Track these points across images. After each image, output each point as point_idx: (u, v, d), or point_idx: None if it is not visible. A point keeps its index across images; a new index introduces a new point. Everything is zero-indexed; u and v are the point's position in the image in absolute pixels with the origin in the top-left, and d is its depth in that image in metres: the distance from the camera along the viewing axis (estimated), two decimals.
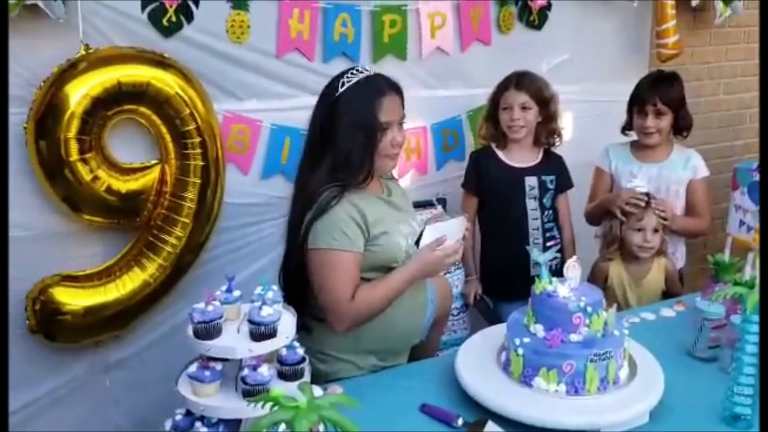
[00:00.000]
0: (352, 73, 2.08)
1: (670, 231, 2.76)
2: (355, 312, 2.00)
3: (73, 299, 2.46)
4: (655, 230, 2.67)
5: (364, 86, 2.06)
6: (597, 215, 2.88)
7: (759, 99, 3.82)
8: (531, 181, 2.80)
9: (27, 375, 2.51)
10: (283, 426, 1.26)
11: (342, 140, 2.01)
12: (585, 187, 3.01)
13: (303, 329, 2.02)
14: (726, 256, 2.27)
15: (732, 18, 3.59)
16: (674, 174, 2.85)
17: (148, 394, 2.66)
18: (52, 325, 2.45)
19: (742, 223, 3.25)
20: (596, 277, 2.77)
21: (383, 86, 2.09)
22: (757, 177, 3.19)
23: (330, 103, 2.05)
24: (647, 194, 2.69)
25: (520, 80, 2.77)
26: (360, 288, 2.00)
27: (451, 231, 2.10)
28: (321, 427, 1.30)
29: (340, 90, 2.04)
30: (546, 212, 2.83)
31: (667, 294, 2.71)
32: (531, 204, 2.80)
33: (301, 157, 2.18)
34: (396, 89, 2.12)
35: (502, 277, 2.81)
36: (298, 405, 1.27)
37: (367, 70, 2.12)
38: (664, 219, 2.66)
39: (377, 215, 2.06)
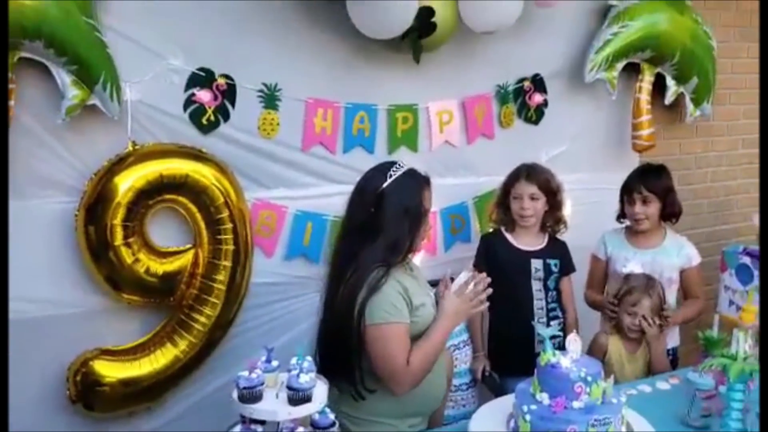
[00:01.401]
0: (396, 168, 2.35)
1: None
2: (412, 375, 2.21)
3: (111, 372, 2.66)
4: (646, 316, 2.80)
5: (410, 178, 2.35)
6: (595, 308, 3.12)
7: (759, 107, 4.04)
8: (536, 264, 3.01)
9: None
10: None
11: (391, 226, 2.27)
12: (582, 270, 3.22)
13: (353, 399, 2.23)
14: (714, 333, 2.46)
15: (700, 118, 3.90)
16: (667, 260, 3.06)
17: None
18: (91, 395, 2.64)
19: (731, 302, 3.46)
20: (595, 350, 2.90)
21: (424, 178, 2.39)
22: (743, 259, 3.41)
23: (377, 193, 2.29)
24: (648, 276, 2.87)
25: (530, 172, 3.02)
26: (411, 351, 2.22)
27: (468, 279, 2.34)
28: None
29: (388, 181, 2.30)
30: (550, 293, 3.03)
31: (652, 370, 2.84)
32: (536, 285, 3.01)
33: (342, 240, 2.39)
34: (429, 181, 2.42)
35: (508, 354, 2.98)
36: None
37: (404, 165, 2.39)
38: (666, 323, 2.80)
39: (413, 289, 2.31)
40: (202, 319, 2.79)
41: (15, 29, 2.29)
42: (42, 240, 2.59)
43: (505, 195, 3.06)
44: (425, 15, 2.81)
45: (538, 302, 3.00)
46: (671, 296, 3.04)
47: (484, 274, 2.45)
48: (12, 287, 2.51)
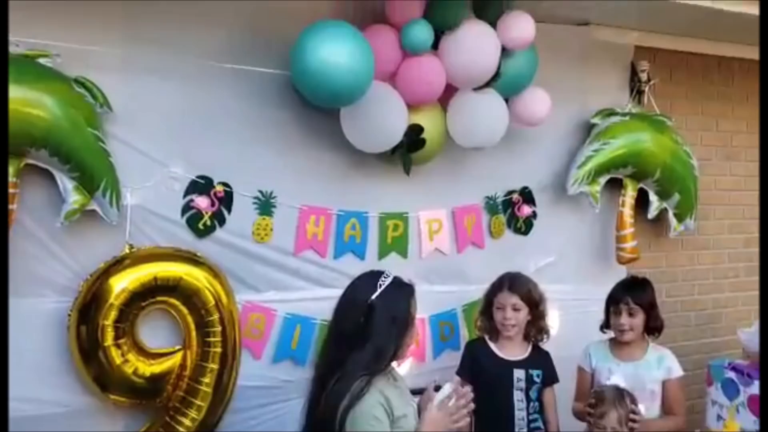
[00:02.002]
0: (384, 277, 2.40)
1: None
2: None
3: None
4: (615, 428, 2.79)
5: (398, 288, 2.40)
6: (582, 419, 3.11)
7: (759, 120, 4.10)
8: (519, 374, 3.02)
9: None
10: None
11: (379, 335, 2.30)
12: (566, 380, 3.22)
13: None
14: None
15: (684, 233, 4.00)
16: (649, 374, 3.08)
17: None
18: None
19: (719, 417, 3.44)
20: None
21: (411, 288, 2.45)
22: (729, 374, 3.42)
23: (367, 303, 2.32)
24: (618, 388, 2.88)
25: (512, 283, 3.07)
26: None
27: (449, 394, 2.34)
28: None
29: (377, 291, 2.35)
30: (532, 404, 3.02)
31: None
32: (517, 395, 3.01)
33: (328, 346, 2.42)
34: (414, 290, 2.47)
35: None
36: None
37: (391, 274, 2.44)
38: (634, 422, 2.80)
39: (396, 400, 2.32)
40: (187, 422, 2.78)
41: (23, 138, 2.43)
42: (35, 338, 2.64)
43: (489, 304, 3.11)
44: (414, 131, 2.97)
45: (519, 412, 2.99)
46: (654, 409, 3.04)
47: (468, 389, 2.47)
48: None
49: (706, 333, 4.31)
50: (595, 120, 3.72)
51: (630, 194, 3.79)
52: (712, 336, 4.29)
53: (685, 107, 4.14)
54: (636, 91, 3.89)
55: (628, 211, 3.79)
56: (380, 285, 2.38)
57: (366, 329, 2.31)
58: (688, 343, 4.16)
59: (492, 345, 3.10)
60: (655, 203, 3.86)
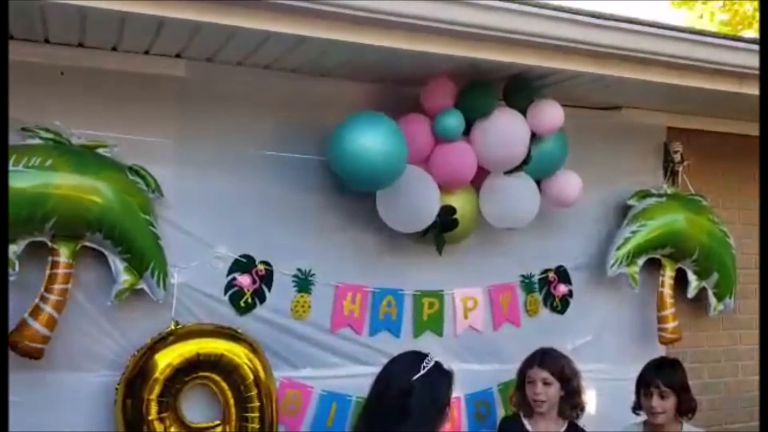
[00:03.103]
0: (428, 360, 2.43)
1: None
2: None
3: None
4: None
5: (440, 373, 2.44)
6: None
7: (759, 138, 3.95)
8: None
9: None
10: None
11: (419, 417, 2.32)
12: None
13: None
14: None
15: (724, 312, 3.97)
16: None
17: None
18: None
19: None
20: None
21: (451, 375, 2.48)
22: None
23: (410, 382, 2.35)
24: None
25: (544, 358, 3.09)
26: None
27: None
28: None
29: (421, 372, 2.39)
30: None
31: None
32: None
33: (364, 421, 2.45)
34: (453, 377, 2.51)
35: None
36: None
37: (433, 358, 2.46)
38: None
39: None
40: None
41: (80, 222, 2.63)
42: (84, 411, 2.77)
43: (522, 379, 3.12)
44: (447, 212, 3.08)
45: None
46: None
47: None
48: None
49: (753, 415, 4.17)
50: (632, 201, 3.78)
51: (669, 274, 3.80)
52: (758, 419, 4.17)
53: (721, 187, 4.16)
54: (670, 171, 3.94)
55: (667, 291, 3.79)
56: (424, 367, 2.43)
57: (404, 408, 2.35)
58: (733, 427, 4.06)
59: (526, 422, 3.10)
60: (693, 282, 3.86)
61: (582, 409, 3.13)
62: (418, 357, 2.48)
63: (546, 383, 3.05)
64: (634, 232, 3.65)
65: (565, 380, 3.08)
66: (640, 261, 3.71)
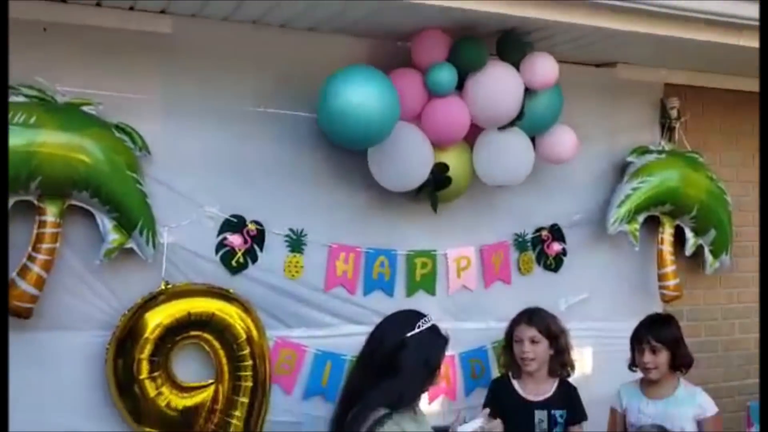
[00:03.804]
0: (425, 320, 2.47)
1: None
2: None
3: None
4: None
5: (435, 334, 2.47)
6: None
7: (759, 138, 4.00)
8: (540, 415, 3.00)
9: None
10: None
11: (408, 373, 2.36)
12: (600, 417, 3.20)
13: None
14: None
15: (721, 270, 3.96)
16: (679, 411, 3.03)
17: None
18: None
19: None
20: None
21: (446, 338, 2.51)
22: None
23: (403, 338, 2.40)
24: (660, 426, 2.85)
25: (531, 316, 3.08)
26: None
27: (476, 428, 2.36)
28: None
29: (415, 331, 2.41)
30: None
31: None
32: None
33: (356, 371, 2.49)
34: (448, 342, 2.53)
35: None
36: None
37: (431, 320, 2.50)
38: None
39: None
40: None
41: (66, 182, 2.58)
42: (74, 370, 2.75)
43: (509, 339, 3.11)
44: (440, 170, 3.04)
45: None
46: None
47: (497, 422, 2.48)
48: (43, 415, 2.69)
49: (749, 373, 4.19)
50: (631, 158, 3.74)
51: (668, 231, 3.78)
52: (755, 376, 4.16)
53: (719, 143, 4.12)
54: (667, 128, 3.89)
55: (667, 249, 3.78)
56: (419, 326, 2.43)
57: (395, 364, 2.36)
58: (729, 384, 4.07)
59: (515, 383, 3.08)
60: (691, 240, 3.84)
61: (572, 367, 3.13)
62: (416, 316, 2.49)
63: (534, 341, 3.03)
64: (634, 189, 3.61)
65: (553, 338, 3.06)
66: (640, 218, 3.68)
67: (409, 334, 2.40)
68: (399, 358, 2.36)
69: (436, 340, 2.47)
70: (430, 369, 2.43)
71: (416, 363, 2.37)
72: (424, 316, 2.50)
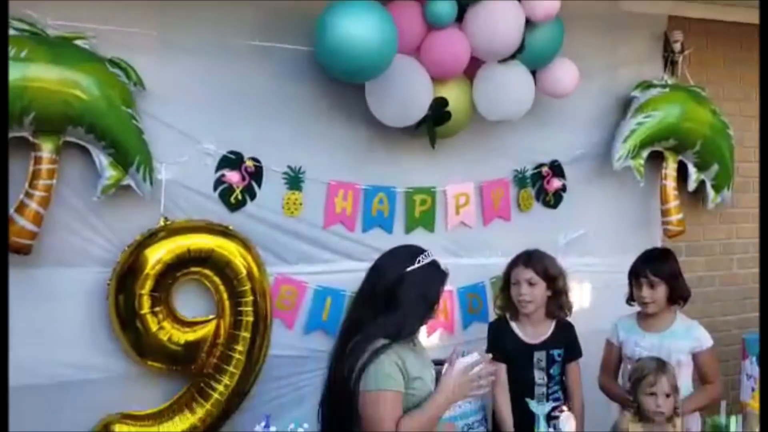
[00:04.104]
0: (425, 255, 2.46)
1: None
2: None
3: None
4: (667, 395, 2.83)
5: (435, 270, 2.47)
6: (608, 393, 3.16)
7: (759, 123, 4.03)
8: (539, 355, 3.03)
9: None
10: None
11: (407, 307, 2.37)
12: (595, 353, 3.24)
13: None
14: (722, 419, 2.46)
15: (721, 206, 3.96)
16: (676, 344, 3.06)
17: None
18: None
19: (753, 390, 3.39)
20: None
21: (445, 273, 2.51)
22: None
23: (402, 273, 2.40)
24: (658, 359, 2.88)
25: (528, 258, 3.06)
26: (402, 419, 2.28)
27: (474, 362, 2.41)
28: None
29: (415, 266, 2.42)
30: (553, 380, 3.03)
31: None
32: (538, 374, 3.02)
33: (355, 305, 2.51)
34: (447, 278, 2.53)
35: None
36: None
37: (431, 255, 2.49)
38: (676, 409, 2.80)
39: (412, 364, 2.38)
40: (221, 387, 2.90)
41: (61, 117, 2.56)
42: (76, 307, 2.78)
43: (507, 282, 3.11)
44: (439, 104, 3.00)
45: (539, 388, 3.00)
46: (681, 380, 3.01)
47: (491, 362, 2.52)
48: (46, 350, 2.72)
49: (746, 308, 4.23)
50: (635, 93, 3.69)
51: (671, 166, 3.78)
52: (751, 310, 4.21)
53: (722, 76, 4.07)
54: (670, 62, 3.83)
55: (671, 184, 3.78)
56: (419, 261, 2.44)
57: (395, 299, 2.37)
58: (726, 318, 4.11)
59: (514, 325, 3.08)
60: (693, 175, 3.84)
61: (569, 309, 3.12)
62: (416, 251, 2.49)
63: (531, 283, 3.02)
64: (639, 124, 3.58)
65: (551, 280, 3.05)
66: (645, 153, 3.66)
67: (408, 269, 2.41)
68: (398, 292, 2.38)
69: (436, 275, 2.47)
70: (428, 303, 2.45)
71: (415, 297, 2.39)
72: (424, 251, 2.50)
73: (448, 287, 3.31)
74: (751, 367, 3.43)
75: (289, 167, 3.08)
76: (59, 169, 2.64)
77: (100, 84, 2.61)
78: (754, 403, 2.52)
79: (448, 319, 3.42)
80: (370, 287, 2.46)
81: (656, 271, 3.07)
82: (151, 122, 2.81)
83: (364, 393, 2.28)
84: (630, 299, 3.20)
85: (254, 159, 3.01)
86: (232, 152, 2.97)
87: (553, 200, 3.64)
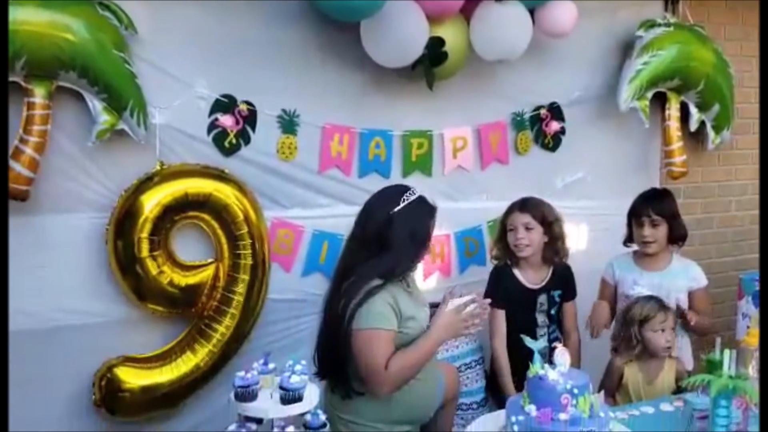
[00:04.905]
0: (410, 193, 2.48)
1: (692, 331, 2.95)
2: (390, 378, 2.32)
3: (133, 378, 2.82)
4: (672, 329, 2.84)
5: (421, 205, 2.48)
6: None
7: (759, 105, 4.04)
8: (542, 299, 3.07)
9: None
10: None
11: (397, 248, 2.40)
12: (593, 296, 3.27)
13: (341, 398, 2.38)
14: (717, 355, 2.48)
15: (721, 146, 3.95)
16: (674, 283, 3.09)
17: None
18: (113, 400, 2.80)
19: (748, 329, 3.43)
20: (612, 374, 2.91)
21: (433, 208, 2.51)
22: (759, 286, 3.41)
23: (389, 214, 2.43)
24: (656, 297, 2.90)
25: (524, 204, 3.06)
26: (393, 356, 2.33)
27: (468, 301, 2.45)
28: None
29: (401, 205, 2.43)
30: (553, 322, 3.09)
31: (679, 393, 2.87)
32: (540, 317, 3.07)
33: (348, 250, 2.53)
34: (436, 211, 2.55)
35: (516, 379, 2.97)
36: None
37: (416, 192, 2.52)
38: (686, 319, 2.87)
39: (405, 304, 2.42)
40: (222, 329, 2.94)
41: (52, 61, 2.53)
42: (75, 253, 2.80)
43: (503, 230, 3.11)
44: (436, 44, 2.95)
45: (541, 330, 3.06)
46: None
47: (487, 300, 2.55)
48: (46, 296, 2.75)
49: (743, 249, 4.25)
50: (640, 32, 3.63)
51: (675, 107, 3.75)
52: (749, 252, 4.23)
53: (724, 16, 4.00)
54: (670, 1, 3.77)
55: (674, 124, 3.76)
56: (404, 200, 2.44)
57: (385, 240, 2.39)
58: (723, 260, 4.13)
59: (516, 271, 3.09)
60: (695, 116, 3.80)
61: (566, 254, 3.13)
62: (400, 190, 2.49)
63: (528, 228, 3.02)
64: (645, 64, 3.53)
65: (547, 225, 3.05)
66: (649, 94, 3.62)
67: (395, 210, 2.42)
68: (388, 234, 2.40)
69: (423, 211, 2.48)
70: (418, 240, 2.46)
71: (405, 236, 2.41)
72: (410, 189, 2.50)
73: (445, 231, 3.38)
74: (747, 306, 3.47)
75: (283, 111, 3.06)
76: (54, 115, 2.62)
77: (91, 27, 2.58)
78: (748, 339, 2.53)
79: (444, 263, 3.44)
80: (360, 230, 2.49)
81: (658, 210, 3.07)
82: (143, 67, 2.78)
83: (356, 332, 2.32)
84: (628, 240, 3.20)
85: (248, 103, 2.99)
86: (225, 96, 2.95)
87: (551, 143, 3.62)
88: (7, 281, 2.41)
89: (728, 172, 4.18)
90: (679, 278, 3.10)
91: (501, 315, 3.03)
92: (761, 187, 3.75)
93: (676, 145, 3.75)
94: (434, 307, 2.65)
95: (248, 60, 2.97)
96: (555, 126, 3.61)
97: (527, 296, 3.06)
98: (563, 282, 3.13)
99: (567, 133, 3.65)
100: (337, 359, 2.38)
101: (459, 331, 2.46)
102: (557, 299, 3.10)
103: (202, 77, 2.91)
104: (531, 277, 3.09)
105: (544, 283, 3.09)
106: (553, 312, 3.09)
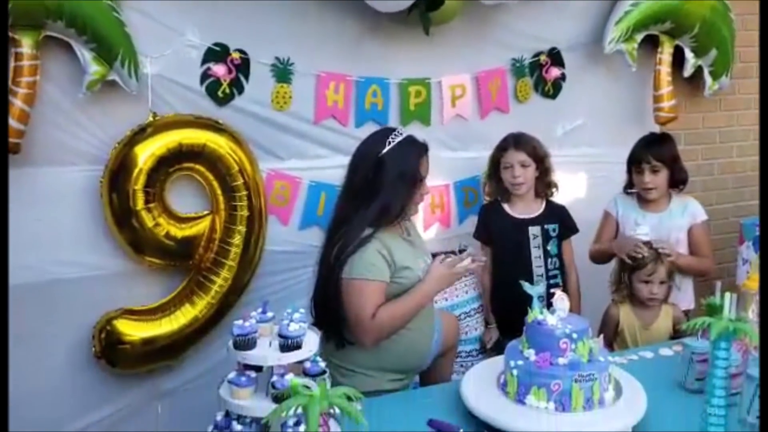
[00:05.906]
0: (395, 134, 2.44)
1: (677, 271, 2.95)
2: (376, 328, 2.32)
3: (133, 330, 2.82)
4: (662, 282, 2.87)
5: (408, 145, 2.44)
6: (600, 258, 3.16)
7: (759, 92, 4.01)
8: (534, 230, 3.07)
9: (89, 399, 2.87)
10: (299, 410, 1.56)
11: (387, 190, 2.37)
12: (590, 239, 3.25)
13: (335, 347, 2.39)
14: (717, 299, 2.47)
15: (719, 91, 3.88)
16: (674, 222, 3.08)
17: (193, 421, 2.96)
18: (114, 352, 2.81)
19: (748, 273, 3.43)
20: (608, 322, 2.95)
21: (422, 146, 2.47)
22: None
23: (376, 158, 2.39)
24: (649, 243, 2.90)
25: (518, 140, 3.07)
26: (381, 306, 2.33)
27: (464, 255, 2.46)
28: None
29: (387, 147, 2.39)
30: (551, 259, 3.08)
31: (677, 338, 2.89)
32: (535, 252, 3.06)
33: (340, 201, 2.50)
34: (427, 149, 2.51)
35: (512, 320, 2.99)
36: (312, 393, 1.57)
37: (403, 132, 2.48)
38: (668, 255, 2.85)
39: (401, 253, 2.40)
40: (219, 281, 2.93)
41: (38, 10, 2.46)
42: (69, 206, 2.77)
43: (496, 167, 3.11)
44: None
45: (538, 269, 3.06)
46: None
47: (483, 258, 2.57)
48: (43, 250, 2.73)
49: (744, 195, 4.22)
50: None
51: (667, 51, 3.67)
52: (750, 198, 4.20)
53: None
54: None
55: (665, 69, 3.68)
56: (390, 142, 2.41)
57: (374, 184, 2.36)
58: (725, 206, 4.11)
59: (505, 206, 3.12)
60: (691, 60, 3.73)
61: (556, 186, 3.16)
62: (386, 132, 2.46)
63: (524, 165, 3.04)
64: (634, 5, 3.44)
65: (539, 160, 3.08)
66: (639, 37, 3.54)
67: (382, 152, 2.38)
68: (377, 178, 2.37)
69: (411, 150, 2.44)
70: (408, 180, 2.41)
71: (393, 178, 2.37)
72: (395, 130, 2.47)
73: (444, 181, 3.35)
74: (747, 251, 3.46)
75: (277, 59, 2.99)
76: (43, 66, 2.57)
77: None
78: (749, 283, 2.52)
79: (444, 213, 3.42)
80: (350, 179, 2.46)
81: (658, 156, 3.04)
82: (133, 15, 2.71)
83: (346, 281, 2.31)
84: (628, 187, 3.18)
85: (240, 51, 2.92)
86: (217, 44, 2.88)
87: (552, 90, 3.56)
88: (7, 235, 2.39)
89: (729, 118, 4.12)
90: (678, 217, 3.09)
91: (485, 250, 3.10)
92: (761, 132, 3.71)
93: (665, 90, 3.67)
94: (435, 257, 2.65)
95: (241, 8, 2.90)
96: (555, 72, 3.55)
97: (518, 228, 3.08)
98: (559, 217, 3.13)
99: (567, 80, 3.58)
100: (331, 311, 2.38)
101: (450, 281, 2.46)
102: (552, 233, 3.10)
103: (193, 25, 2.84)
104: (522, 209, 3.11)
105: (536, 215, 3.10)
106: (550, 248, 3.09)
